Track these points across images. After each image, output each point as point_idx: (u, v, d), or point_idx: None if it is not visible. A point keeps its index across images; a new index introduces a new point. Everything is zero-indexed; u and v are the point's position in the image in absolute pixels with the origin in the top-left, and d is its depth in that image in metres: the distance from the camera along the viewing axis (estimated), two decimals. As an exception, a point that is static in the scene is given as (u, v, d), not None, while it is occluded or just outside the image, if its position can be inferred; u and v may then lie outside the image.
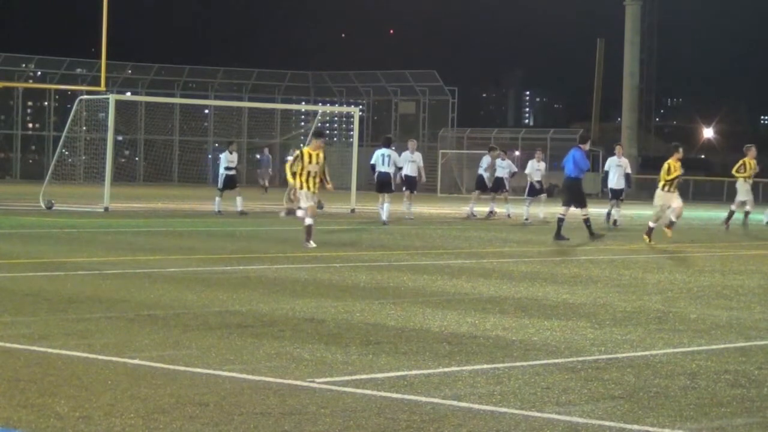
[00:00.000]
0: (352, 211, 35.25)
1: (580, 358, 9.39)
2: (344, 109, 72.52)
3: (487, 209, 34.83)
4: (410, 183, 31.91)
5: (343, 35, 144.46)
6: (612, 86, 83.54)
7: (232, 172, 33.18)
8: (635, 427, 7.03)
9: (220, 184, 33.44)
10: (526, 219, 32.10)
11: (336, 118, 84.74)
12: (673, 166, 24.56)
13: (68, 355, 8.90)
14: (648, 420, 7.21)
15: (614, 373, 8.75)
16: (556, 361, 9.25)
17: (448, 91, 74.53)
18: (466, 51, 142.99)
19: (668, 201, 24.56)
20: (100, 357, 8.86)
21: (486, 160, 34.70)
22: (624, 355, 9.68)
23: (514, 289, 14.43)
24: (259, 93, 76.05)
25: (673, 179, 24.47)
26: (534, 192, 33.39)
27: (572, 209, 24.70)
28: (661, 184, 24.71)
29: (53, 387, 7.69)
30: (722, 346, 10.35)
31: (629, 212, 37.76)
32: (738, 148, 36.52)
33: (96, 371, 8.29)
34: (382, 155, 30.05)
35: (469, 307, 12.50)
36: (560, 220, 24.46)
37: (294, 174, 20.67)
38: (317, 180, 20.83)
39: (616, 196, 31.38)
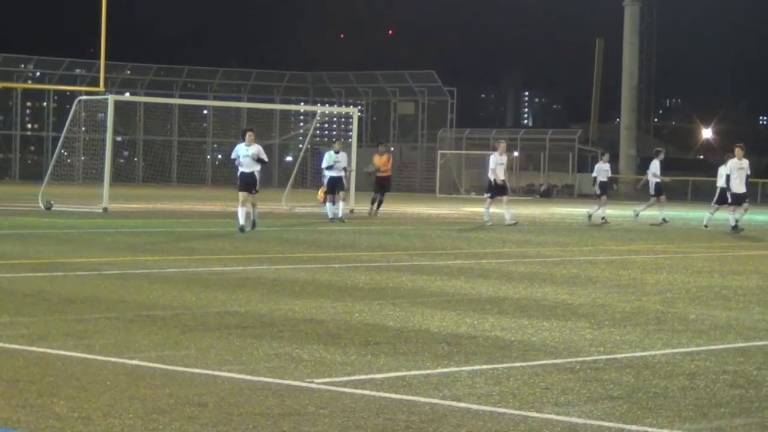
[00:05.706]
0: (351, 211, 35.23)
1: (578, 359, 9.40)
2: (343, 109, 72.52)
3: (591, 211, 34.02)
4: (503, 187, 31.35)
5: (342, 35, 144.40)
6: (611, 86, 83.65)
7: (337, 173, 30.41)
8: (634, 427, 7.03)
9: (325, 187, 30.97)
10: (706, 225, 31.27)
11: (335, 119, 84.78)
12: None
13: (67, 356, 8.90)
14: (647, 420, 7.21)
15: (613, 374, 8.75)
16: (555, 361, 9.25)
17: (446, 92, 74.53)
18: (466, 51, 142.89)
19: None
20: (99, 357, 8.86)
21: (655, 165, 33.94)
22: (623, 355, 9.68)
23: (513, 290, 14.43)
24: (258, 93, 76.07)
25: None
26: (723, 200, 30.75)
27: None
28: None
29: (52, 387, 7.69)
30: (721, 346, 10.35)
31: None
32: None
33: (95, 372, 8.29)
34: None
35: (468, 307, 12.50)
36: None
37: None
38: None
39: (740, 200, 29.65)
